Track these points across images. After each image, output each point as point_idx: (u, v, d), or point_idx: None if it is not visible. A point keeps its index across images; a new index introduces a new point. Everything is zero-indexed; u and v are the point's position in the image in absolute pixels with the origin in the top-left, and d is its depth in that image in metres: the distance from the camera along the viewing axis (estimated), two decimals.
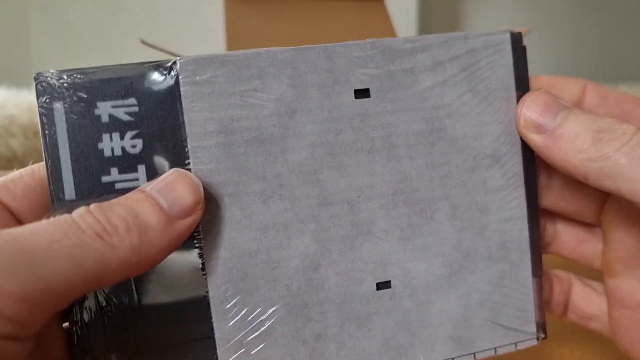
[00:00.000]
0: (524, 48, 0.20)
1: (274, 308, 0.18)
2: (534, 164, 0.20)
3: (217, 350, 0.18)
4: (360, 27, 0.25)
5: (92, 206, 0.16)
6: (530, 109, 0.19)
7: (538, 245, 0.20)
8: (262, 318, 0.18)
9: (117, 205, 0.16)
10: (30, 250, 0.14)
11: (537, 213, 0.20)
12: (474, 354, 0.20)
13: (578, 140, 0.18)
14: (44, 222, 0.15)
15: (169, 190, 0.17)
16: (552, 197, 0.21)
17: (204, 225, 0.17)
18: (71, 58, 1.16)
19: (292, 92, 0.18)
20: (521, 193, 0.20)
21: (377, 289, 0.19)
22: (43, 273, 0.14)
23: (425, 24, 1.79)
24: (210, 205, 0.18)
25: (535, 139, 0.19)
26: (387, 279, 0.19)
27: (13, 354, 0.14)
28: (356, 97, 0.18)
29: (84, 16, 1.16)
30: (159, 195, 0.17)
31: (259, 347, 0.18)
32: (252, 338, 0.18)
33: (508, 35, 0.20)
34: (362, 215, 0.19)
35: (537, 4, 1.59)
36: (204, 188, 0.17)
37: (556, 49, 1.63)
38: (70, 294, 0.14)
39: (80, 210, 0.15)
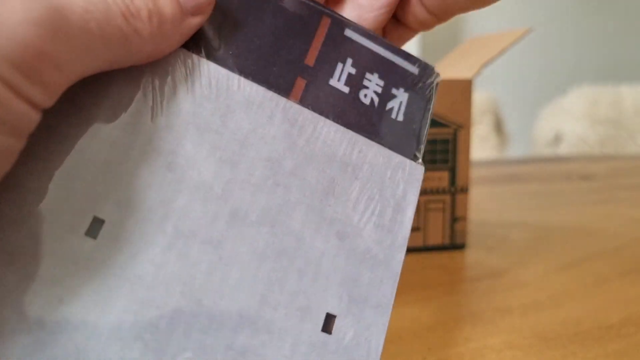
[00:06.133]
0: None
1: None
2: None
3: None
4: None
5: None
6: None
7: None
8: None
9: None
10: (68, 20, 0.14)
11: None
12: None
13: None
14: None
15: None
16: None
17: None
18: None
19: None
20: None
21: None
22: (78, 46, 0.14)
23: None
24: None
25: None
26: None
27: (34, 121, 0.14)
28: None
29: None
30: None
31: None
32: None
33: None
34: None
35: (537, 3, 1.59)
36: None
37: (557, 49, 1.63)
38: (90, 70, 0.15)
39: None
